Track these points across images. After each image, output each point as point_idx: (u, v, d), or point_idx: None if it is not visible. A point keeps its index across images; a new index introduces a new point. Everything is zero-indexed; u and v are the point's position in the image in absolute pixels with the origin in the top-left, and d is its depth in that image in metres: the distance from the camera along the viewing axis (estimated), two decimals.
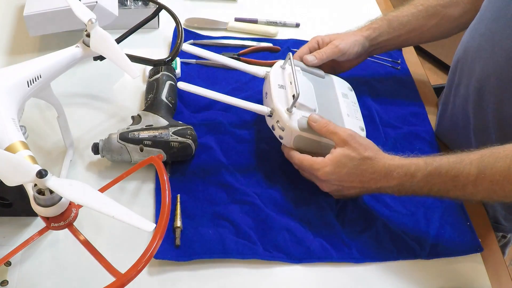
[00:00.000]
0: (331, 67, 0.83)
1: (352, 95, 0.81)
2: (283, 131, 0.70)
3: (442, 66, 2.13)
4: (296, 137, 0.69)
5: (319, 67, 0.80)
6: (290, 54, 0.75)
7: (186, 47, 0.76)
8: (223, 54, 0.92)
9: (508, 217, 0.84)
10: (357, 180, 0.65)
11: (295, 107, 0.69)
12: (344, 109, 0.76)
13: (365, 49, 0.82)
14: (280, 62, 0.78)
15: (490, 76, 0.70)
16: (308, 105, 0.71)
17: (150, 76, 0.81)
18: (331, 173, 0.65)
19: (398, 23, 0.82)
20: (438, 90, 0.94)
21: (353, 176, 0.65)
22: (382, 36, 0.82)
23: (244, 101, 0.72)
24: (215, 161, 0.74)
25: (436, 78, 2.08)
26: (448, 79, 0.83)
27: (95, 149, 0.70)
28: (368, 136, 0.79)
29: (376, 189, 0.66)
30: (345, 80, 0.84)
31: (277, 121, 0.70)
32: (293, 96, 0.69)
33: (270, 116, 0.71)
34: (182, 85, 0.70)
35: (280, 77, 0.74)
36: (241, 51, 0.94)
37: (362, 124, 0.76)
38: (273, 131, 0.72)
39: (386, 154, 0.66)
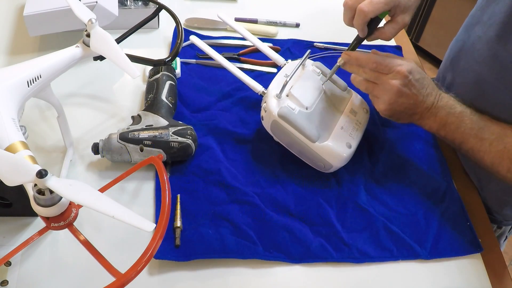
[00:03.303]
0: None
1: (363, 116, 0.77)
2: (265, 112, 0.72)
3: None
4: (273, 122, 0.71)
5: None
6: (309, 51, 0.75)
7: (194, 39, 0.81)
8: (223, 54, 0.92)
9: (500, 210, 0.85)
10: (425, 89, 0.68)
11: (287, 96, 0.71)
12: (341, 122, 0.73)
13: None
14: (302, 60, 0.75)
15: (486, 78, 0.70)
16: (300, 100, 0.71)
17: (150, 76, 0.81)
18: (415, 66, 0.68)
19: None
20: None
21: (422, 80, 0.69)
22: None
23: (244, 74, 0.77)
24: (215, 161, 0.74)
25: None
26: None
27: (95, 149, 0.70)
28: (368, 136, 0.79)
29: (426, 109, 0.69)
30: (346, 81, 0.84)
31: (265, 102, 0.72)
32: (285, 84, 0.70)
33: (261, 96, 0.74)
34: (194, 39, 0.81)
35: (291, 70, 0.73)
36: (241, 51, 0.94)
37: (353, 142, 0.72)
38: (261, 111, 0.74)
39: None
